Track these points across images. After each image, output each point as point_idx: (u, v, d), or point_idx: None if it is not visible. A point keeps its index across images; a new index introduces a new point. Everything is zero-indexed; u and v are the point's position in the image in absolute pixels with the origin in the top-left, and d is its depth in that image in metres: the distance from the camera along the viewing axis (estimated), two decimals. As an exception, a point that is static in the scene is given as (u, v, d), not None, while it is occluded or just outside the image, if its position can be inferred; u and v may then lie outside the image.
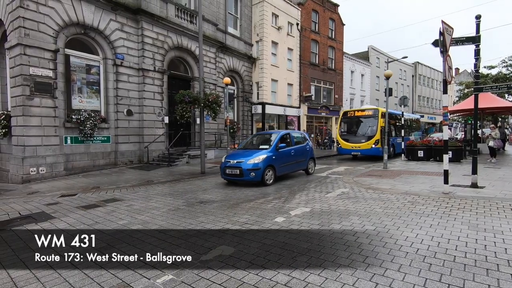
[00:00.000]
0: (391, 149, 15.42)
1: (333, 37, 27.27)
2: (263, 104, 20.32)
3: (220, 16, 17.29)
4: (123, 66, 12.04)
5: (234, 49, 18.51)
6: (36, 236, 4.40)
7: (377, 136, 14.46)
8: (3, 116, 10.05)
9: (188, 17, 14.65)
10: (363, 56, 34.09)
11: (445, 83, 6.49)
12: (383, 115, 13.74)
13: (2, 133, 10.06)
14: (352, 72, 31.02)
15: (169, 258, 3.37)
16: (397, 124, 16.75)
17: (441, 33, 6.17)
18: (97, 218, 5.22)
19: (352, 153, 15.50)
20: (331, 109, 27.46)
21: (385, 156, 11.63)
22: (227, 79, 11.88)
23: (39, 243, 4.03)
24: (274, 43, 21.16)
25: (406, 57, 27.61)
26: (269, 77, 20.68)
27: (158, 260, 3.33)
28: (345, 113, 16.70)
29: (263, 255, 3.39)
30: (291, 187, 7.85)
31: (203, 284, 2.76)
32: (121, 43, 11.99)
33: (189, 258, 3.37)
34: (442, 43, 6.21)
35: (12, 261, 3.43)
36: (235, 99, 19.53)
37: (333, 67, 27.55)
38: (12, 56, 9.42)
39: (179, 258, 3.36)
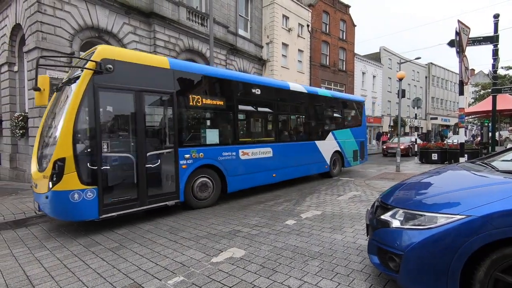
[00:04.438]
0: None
1: (344, 38, 27.03)
2: (273, 106, 20.26)
3: (230, 19, 17.39)
4: (135, 69, 12.22)
5: (244, 51, 18.57)
6: (51, 234, 4.50)
7: (60, 153, 4.12)
8: (21, 118, 10.35)
9: (199, 20, 14.79)
10: (375, 57, 33.67)
11: (462, 84, 6.32)
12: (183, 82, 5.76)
13: (20, 134, 10.36)
14: (363, 73, 30.65)
15: (180, 259, 3.38)
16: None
17: (457, 33, 6.01)
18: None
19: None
20: (341, 111, 27.17)
21: (398, 159, 11.40)
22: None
23: (56, 242, 4.12)
24: (285, 45, 21.12)
25: (419, 58, 27.09)
26: (279, 79, 20.60)
27: (169, 261, 3.35)
28: None
29: (274, 258, 3.35)
30: (302, 190, 7.78)
31: (214, 287, 2.74)
32: (134, 46, 12.19)
33: (200, 260, 3.36)
34: (459, 43, 6.05)
35: (28, 259, 3.50)
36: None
37: (344, 69, 27.28)
38: (30, 59, 9.70)
39: (190, 260, 3.36)
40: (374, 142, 26.17)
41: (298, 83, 10.94)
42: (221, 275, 2.96)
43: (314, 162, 8.93)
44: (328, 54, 25.39)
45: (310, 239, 3.97)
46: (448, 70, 45.80)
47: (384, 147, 20.75)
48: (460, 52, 6.08)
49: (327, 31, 25.16)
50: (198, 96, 5.88)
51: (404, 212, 2.39)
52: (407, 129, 37.22)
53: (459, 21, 6.01)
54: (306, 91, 8.82)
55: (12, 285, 2.86)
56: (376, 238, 2.50)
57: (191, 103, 5.75)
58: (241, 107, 6.83)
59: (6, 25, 11.08)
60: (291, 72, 21.66)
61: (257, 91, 7.11)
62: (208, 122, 6.43)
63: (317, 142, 9.08)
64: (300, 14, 22.20)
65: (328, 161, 9.50)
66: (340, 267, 3.09)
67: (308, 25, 23.02)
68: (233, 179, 6.42)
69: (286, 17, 21.07)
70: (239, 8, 18.27)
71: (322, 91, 10.09)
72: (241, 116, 7.05)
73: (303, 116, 9.13)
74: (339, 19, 26.24)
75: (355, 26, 28.18)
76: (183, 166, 5.48)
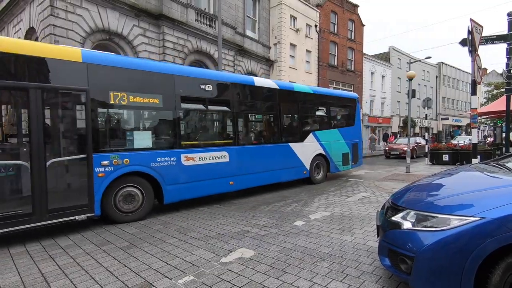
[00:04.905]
0: None
1: (353, 38, 26.81)
2: (281, 107, 20.24)
3: (238, 20, 17.45)
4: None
5: (252, 52, 18.61)
6: (64, 233, 4.60)
7: None
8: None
9: (208, 21, 14.89)
10: (384, 57, 33.29)
11: (474, 84, 6.20)
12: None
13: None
14: (372, 73, 30.34)
15: (189, 259, 3.41)
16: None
17: (470, 32, 5.91)
18: (120, 217, 5.36)
19: None
20: (350, 111, 26.95)
21: (408, 160, 11.24)
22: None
23: (69, 240, 4.21)
24: (292, 45, 21.08)
25: (429, 57, 26.68)
26: (287, 79, 20.57)
27: (179, 260, 3.38)
28: None
29: (283, 259, 3.35)
30: (310, 191, 7.75)
31: (224, 286, 2.75)
32: (143, 48, 12.36)
33: (209, 259, 3.39)
34: (471, 42, 5.94)
35: (42, 257, 3.58)
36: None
37: (353, 69, 27.06)
38: (43, 61, 9.94)
39: (199, 259, 3.39)
40: (381, 143, 25.79)
41: (289, 81, 10.73)
42: (230, 275, 2.97)
43: (288, 167, 7.80)
44: (336, 54, 25.22)
45: (319, 240, 3.95)
46: (460, 69, 44.94)
47: (387, 148, 19.98)
48: (473, 51, 5.97)
49: (336, 31, 25.00)
50: (123, 94, 5.00)
51: (415, 213, 2.36)
52: (417, 130, 36.66)
53: (471, 20, 5.90)
54: (277, 87, 7.73)
55: (27, 282, 2.93)
56: (387, 240, 2.48)
57: (112, 102, 4.89)
58: (185, 105, 5.87)
59: (20, 28, 11.36)
60: (299, 72, 21.59)
61: (208, 87, 6.15)
62: (137, 123, 5.60)
63: (292, 145, 7.96)
64: (308, 15, 22.12)
65: (307, 165, 8.35)
66: (350, 269, 3.07)
67: (316, 26, 22.92)
68: (172, 188, 5.50)
69: (294, 18, 21.02)
70: (246, 9, 18.32)
71: (300, 86, 8.97)
72: (184, 117, 6.14)
73: (274, 116, 7.91)
74: (347, 19, 26.05)
75: (364, 25, 27.94)
76: (100, 175, 4.66)
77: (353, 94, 11.03)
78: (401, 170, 11.76)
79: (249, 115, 7.74)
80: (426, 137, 19.81)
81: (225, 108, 6.73)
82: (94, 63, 4.77)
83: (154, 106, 5.49)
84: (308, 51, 22.50)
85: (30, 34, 11.12)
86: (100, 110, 4.91)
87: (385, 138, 25.71)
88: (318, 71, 23.47)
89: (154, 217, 5.34)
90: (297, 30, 21.15)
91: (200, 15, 14.50)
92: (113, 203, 4.90)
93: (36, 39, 10.85)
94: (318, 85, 23.48)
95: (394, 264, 2.41)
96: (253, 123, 8.32)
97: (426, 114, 14.96)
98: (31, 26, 10.68)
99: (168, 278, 2.95)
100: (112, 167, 4.79)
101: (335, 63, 25.25)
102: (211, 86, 6.24)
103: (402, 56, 34.29)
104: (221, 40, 11.40)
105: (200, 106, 6.38)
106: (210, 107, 6.52)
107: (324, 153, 8.92)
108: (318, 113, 9.32)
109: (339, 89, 26.03)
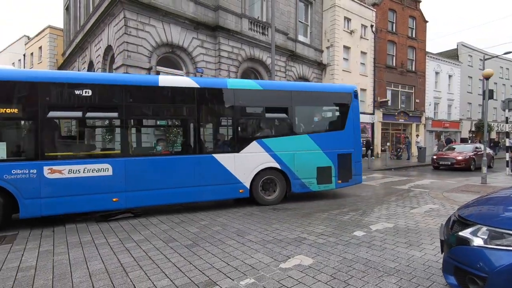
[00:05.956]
0: None
1: (414, 36, 24.86)
2: (334, 111, 19.61)
3: (290, 25, 17.53)
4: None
5: (304, 57, 18.48)
6: (136, 228, 5.09)
7: None
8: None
9: (260, 29, 15.27)
10: (451, 55, 30.12)
11: None
12: None
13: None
14: (437, 73, 27.65)
15: (249, 262, 3.48)
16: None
17: None
18: (183, 217, 5.74)
19: None
20: (410, 115, 24.92)
21: (484, 169, 9.91)
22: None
23: (141, 236, 4.65)
24: (346, 48, 20.37)
25: (509, 52, 23.27)
26: (340, 83, 19.93)
27: (239, 262, 3.48)
28: None
29: (345, 270, 3.21)
30: (368, 200, 7.33)
31: (285, 292, 2.75)
32: (201, 58, 13.19)
33: (268, 264, 3.42)
34: None
35: (120, 249, 4.02)
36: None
37: (414, 69, 25.04)
38: (118, 75, 11.26)
39: (258, 263, 3.45)
40: (435, 149, 22.21)
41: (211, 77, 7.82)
42: (291, 282, 2.96)
43: (211, 183, 6.21)
44: (394, 54, 23.66)
45: (383, 253, 3.70)
46: (550, 64, 38.26)
47: (434, 157, 15.49)
48: None
49: (394, 30, 23.49)
50: None
51: (488, 229, 2.15)
52: (493, 135, 32.21)
53: None
54: (196, 86, 6.20)
55: (110, 270, 3.32)
56: (453, 256, 2.31)
57: None
58: (53, 114, 5.30)
59: (100, 47, 13.06)
60: (353, 75, 20.76)
61: (86, 92, 5.35)
62: None
63: (219, 156, 6.32)
64: (363, 15, 21.21)
65: (246, 182, 6.51)
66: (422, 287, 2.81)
67: (372, 26, 21.84)
68: (31, 202, 4.98)
69: (347, 19, 20.35)
70: (298, 14, 18.31)
71: (239, 82, 7.21)
72: (51, 125, 5.44)
73: (188, 121, 6.44)
74: (407, 16, 24.29)
75: (427, 22, 25.71)
76: None
77: (344, 87, 8.22)
78: (475, 181, 10.43)
79: (148, 121, 6.73)
80: (505, 143, 17.15)
81: (110, 115, 5.98)
82: None
83: (13, 116, 5.10)
84: (363, 53, 21.52)
85: (108, 51, 12.70)
86: None
87: (449, 143, 22.92)
88: (374, 73, 22.25)
89: (212, 219, 5.59)
90: (351, 32, 20.41)
91: (254, 24, 14.94)
92: None
93: (112, 56, 12.35)
94: (374, 88, 22.24)
95: (461, 283, 2.22)
96: (154, 130, 6.95)
97: (506, 118, 12.88)
98: (109, 44, 12.20)
99: (230, 278, 3.06)
100: None
101: (394, 64, 23.66)
102: (90, 91, 5.41)
103: (473, 53, 30.64)
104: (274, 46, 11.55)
105: (75, 113, 5.72)
106: (89, 114, 5.69)
107: (279, 167, 6.81)
108: (270, 115, 7.13)
109: (397, 91, 24.27)
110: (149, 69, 11.35)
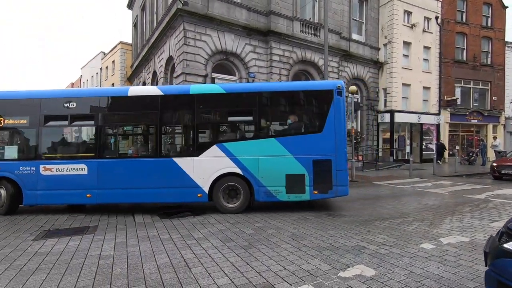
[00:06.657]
0: None
1: (489, 25, 21.91)
2: (392, 112, 18.30)
3: (344, 24, 16.91)
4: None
5: (358, 56, 17.65)
6: (195, 226, 5.39)
7: None
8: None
9: (312, 31, 15.04)
10: (539, 43, 25.70)
11: None
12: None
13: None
14: (519, 65, 23.87)
15: (306, 267, 3.42)
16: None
17: None
18: (238, 218, 5.91)
19: None
20: (485, 114, 21.95)
21: None
22: (353, 88, 11.43)
23: (200, 234, 4.91)
24: (406, 44, 18.87)
25: None
26: (399, 81, 18.52)
27: (296, 267, 3.44)
28: None
29: (413, 285, 2.95)
30: (435, 210, 6.63)
31: (346, 303, 2.63)
32: (253, 63, 13.50)
33: (326, 271, 3.32)
34: None
35: (182, 245, 4.30)
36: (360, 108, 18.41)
37: (490, 62, 22.04)
38: (177, 83, 12.16)
39: (316, 270, 3.36)
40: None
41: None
42: (352, 292, 2.82)
43: (170, 186, 6.39)
44: (465, 47, 21.17)
45: (459, 270, 3.30)
46: None
47: (495, 164, 12.44)
48: None
49: (464, 20, 21.04)
50: (1, 118, 6.59)
51: None
52: None
53: None
54: (160, 93, 6.64)
55: (175, 265, 3.57)
56: (496, 270, 2.16)
57: None
58: (49, 123, 6.68)
59: (163, 58, 14.26)
60: (414, 73, 19.14)
61: (72, 105, 6.56)
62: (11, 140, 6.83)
63: (178, 160, 6.46)
64: (426, 6, 19.44)
65: (205, 187, 6.40)
66: (512, 315, 2.42)
67: (437, 17, 19.88)
68: (31, 193, 6.42)
69: (408, 13, 18.86)
70: (352, 12, 17.60)
71: (201, 87, 7.35)
72: (47, 133, 6.76)
73: (152, 126, 6.98)
74: (481, 3, 21.54)
75: (506, 7, 22.43)
76: None
77: (324, 83, 7.47)
78: None
79: (118, 128, 7.28)
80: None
81: (90, 122, 6.85)
82: None
83: (22, 126, 6.75)
84: (426, 48, 19.69)
85: (169, 62, 13.80)
86: None
87: None
88: (440, 69, 20.16)
89: (266, 221, 5.64)
90: (412, 26, 18.85)
91: (305, 26, 14.79)
92: None
93: (173, 65, 13.37)
94: (439, 86, 20.18)
95: None
96: (123, 136, 7.63)
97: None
98: (170, 55, 13.26)
99: (287, 283, 3.04)
100: None
101: (464, 58, 21.17)
102: (75, 104, 6.60)
103: None
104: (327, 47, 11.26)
105: (63, 123, 6.83)
106: (75, 122, 6.86)
107: (241, 172, 6.41)
108: (233, 118, 6.98)
109: (468, 88, 21.63)
110: (205, 76, 12.01)
